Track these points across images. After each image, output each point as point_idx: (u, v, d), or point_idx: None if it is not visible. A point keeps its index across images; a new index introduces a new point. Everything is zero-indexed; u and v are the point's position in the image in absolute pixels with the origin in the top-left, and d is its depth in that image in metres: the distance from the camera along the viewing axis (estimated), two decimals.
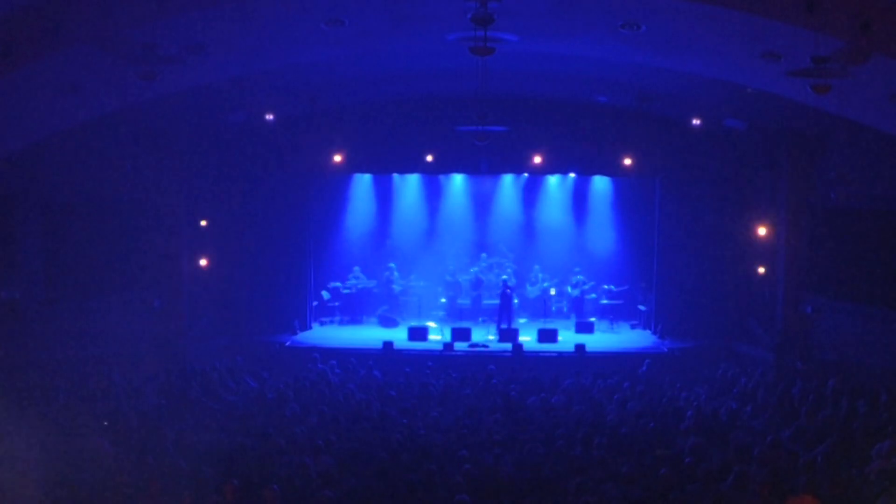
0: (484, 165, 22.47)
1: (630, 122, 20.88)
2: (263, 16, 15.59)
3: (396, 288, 23.98)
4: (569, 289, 23.74)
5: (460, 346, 20.54)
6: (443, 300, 23.79)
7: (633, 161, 21.73)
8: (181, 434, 12.23)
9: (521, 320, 23.40)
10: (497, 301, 22.66)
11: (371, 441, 12.39)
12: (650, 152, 21.53)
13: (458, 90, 19.20)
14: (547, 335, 21.07)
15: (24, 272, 19.37)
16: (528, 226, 24.99)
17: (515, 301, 23.31)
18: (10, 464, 10.63)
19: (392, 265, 24.24)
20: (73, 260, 19.83)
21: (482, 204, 25.05)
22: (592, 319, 22.86)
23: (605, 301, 23.40)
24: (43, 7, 13.82)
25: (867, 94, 15.79)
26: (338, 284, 23.91)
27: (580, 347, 20.12)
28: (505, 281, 23.01)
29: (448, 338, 21.04)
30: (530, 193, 24.84)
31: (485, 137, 18.43)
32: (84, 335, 19.25)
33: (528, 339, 21.19)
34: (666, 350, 20.69)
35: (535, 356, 20.03)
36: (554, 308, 24.02)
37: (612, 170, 22.40)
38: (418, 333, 21.19)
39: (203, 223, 21.55)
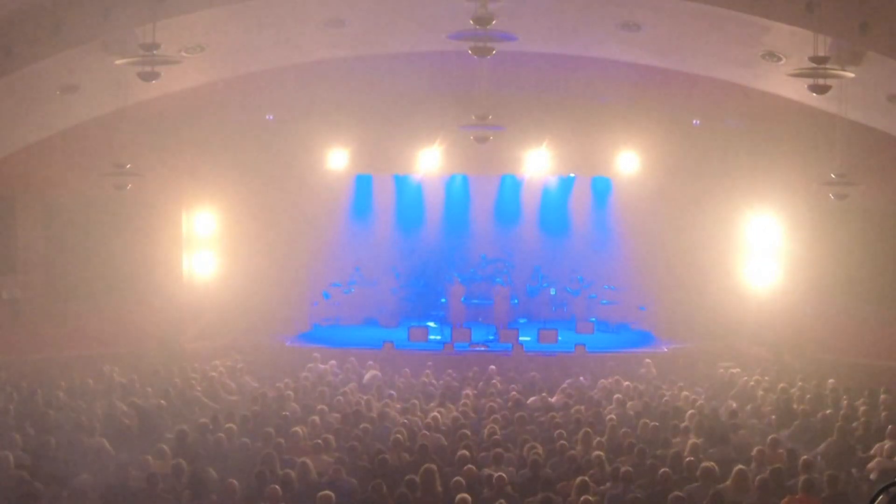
0: (484, 166, 22.44)
1: (630, 122, 20.86)
2: (263, 16, 15.61)
3: (396, 288, 23.97)
4: (581, 290, 23.67)
5: (460, 345, 20.54)
6: (443, 300, 23.78)
7: (633, 161, 21.71)
8: (181, 434, 12.23)
9: (522, 320, 23.39)
10: (492, 301, 22.65)
11: (371, 441, 12.39)
12: (650, 152, 21.50)
13: (458, 90, 19.19)
14: (547, 335, 21.06)
15: (24, 272, 19.38)
16: (529, 226, 24.96)
17: (515, 301, 23.30)
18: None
19: (393, 267, 24.21)
20: (73, 260, 19.84)
21: (482, 204, 25.02)
22: (592, 319, 22.85)
23: (605, 301, 23.39)
24: (43, 7, 13.83)
25: (866, 95, 15.81)
26: (338, 284, 23.91)
27: (580, 347, 20.11)
28: (499, 282, 22.97)
29: (448, 337, 21.04)
30: (530, 193, 24.79)
31: (485, 137, 18.42)
32: (84, 335, 19.26)
33: (528, 339, 21.19)
34: (666, 350, 20.68)
35: (535, 356, 20.01)
36: (554, 308, 24.01)
37: (612, 170, 22.39)
38: (418, 333, 21.19)
39: (203, 223, 21.53)
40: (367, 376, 17.35)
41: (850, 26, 13.31)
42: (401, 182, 24.66)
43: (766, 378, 16.92)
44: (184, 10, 14.30)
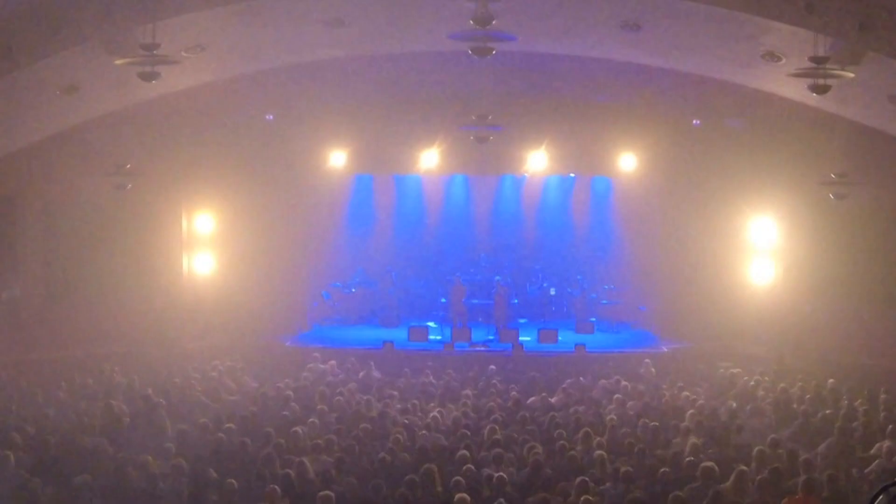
0: (484, 166, 22.43)
1: (630, 122, 20.85)
2: (263, 16, 15.61)
3: (396, 288, 23.96)
4: (581, 290, 23.65)
5: (460, 345, 20.54)
6: (443, 300, 23.78)
7: (633, 161, 21.71)
8: (181, 434, 12.22)
9: (522, 320, 23.38)
10: (492, 302, 22.66)
11: (371, 441, 12.40)
12: (650, 152, 21.49)
13: (458, 90, 19.18)
14: (547, 335, 21.06)
15: (24, 272, 19.39)
16: (529, 226, 24.96)
17: (515, 301, 23.29)
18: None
19: (389, 267, 24.19)
20: (73, 260, 19.84)
21: (482, 204, 25.03)
22: (592, 319, 22.84)
23: (605, 301, 23.39)
24: (43, 7, 13.83)
25: (866, 95, 15.80)
26: (338, 284, 23.90)
27: (580, 347, 20.11)
28: (498, 281, 22.98)
29: (448, 337, 21.03)
30: (530, 193, 24.80)
31: (485, 137, 18.41)
32: (84, 335, 19.26)
33: (528, 339, 21.18)
34: (666, 350, 20.68)
35: (535, 356, 20.01)
36: (554, 308, 24.00)
37: (612, 170, 22.38)
38: (418, 333, 21.18)
39: (203, 223, 21.52)
40: (367, 376, 17.35)
41: (850, 26, 13.30)
42: (401, 182, 24.66)
43: (766, 378, 16.91)
44: (184, 10, 14.29)
